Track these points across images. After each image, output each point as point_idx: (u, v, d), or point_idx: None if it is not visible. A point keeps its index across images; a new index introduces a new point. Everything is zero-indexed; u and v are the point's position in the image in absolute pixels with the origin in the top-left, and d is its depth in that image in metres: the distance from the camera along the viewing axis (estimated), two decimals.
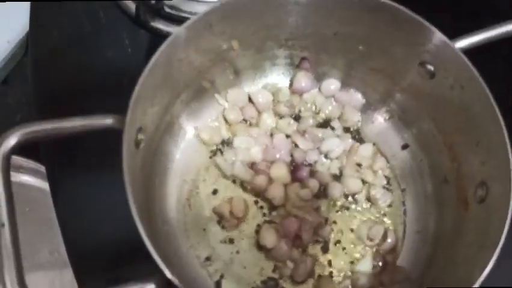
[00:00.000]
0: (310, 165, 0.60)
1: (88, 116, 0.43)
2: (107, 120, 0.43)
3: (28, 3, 0.79)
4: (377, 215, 0.58)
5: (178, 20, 0.73)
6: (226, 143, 0.61)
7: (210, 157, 0.60)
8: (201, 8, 0.73)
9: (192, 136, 0.61)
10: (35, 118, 0.67)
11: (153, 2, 0.71)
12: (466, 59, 0.47)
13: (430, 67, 0.52)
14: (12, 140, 0.40)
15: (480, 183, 0.48)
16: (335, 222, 0.58)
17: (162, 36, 0.73)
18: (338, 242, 0.57)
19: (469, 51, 0.49)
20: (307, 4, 0.51)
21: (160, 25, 0.73)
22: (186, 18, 0.71)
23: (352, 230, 0.58)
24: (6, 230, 0.38)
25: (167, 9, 0.73)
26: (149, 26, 0.72)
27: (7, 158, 0.40)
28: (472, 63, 0.47)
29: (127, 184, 0.40)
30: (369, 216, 0.58)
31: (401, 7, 0.49)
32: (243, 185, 0.59)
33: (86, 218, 0.59)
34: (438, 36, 0.49)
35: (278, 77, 0.64)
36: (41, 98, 0.69)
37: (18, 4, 0.81)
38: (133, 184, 0.42)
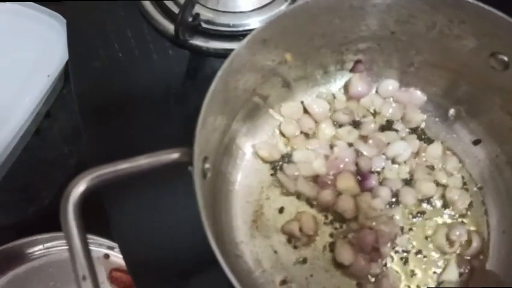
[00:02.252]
0: (378, 172, 0.57)
1: (154, 154, 0.41)
2: (174, 155, 0.41)
3: (64, 38, 0.79)
4: (456, 218, 0.55)
5: (215, 35, 0.72)
6: (286, 158, 0.58)
7: (271, 175, 0.58)
8: (235, 20, 0.72)
9: (251, 155, 0.58)
10: (85, 150, 0.69)
11: (190, 19, 0.70)
12: None
13: (503, 57, 0.48)
14: (81, 187, 0.38)
15: None
16: (411, 229, 0.55)
17: (201, 52, 0.72)
18: (419, 251, 0.54)
19: None
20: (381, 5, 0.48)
21: (199, 42, 0.72)
22: (223, 32, 0.72)
23: (431, 237, 0.54)
24: (88, 282, 0.36)
25: (203, 25, 0.71)
26: (188, 44, 0.71)
27: (78, 206, 0.38)
28: None
29: (204, 219, 0.39)
30: (447, 220, 0.55)
31: None
32: (308, 201, 0.56)
33: (143, 233, 0.58)
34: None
35: (331, 84, 0.61)
36: (89, 127, 0.68)
37: (56, 38, 0.81)
38: (208, 218, 0.40)
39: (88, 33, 0.75)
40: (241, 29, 0.72)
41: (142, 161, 0.41)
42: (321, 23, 0.50)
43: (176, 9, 0.73)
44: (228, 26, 0.73)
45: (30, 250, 0.74)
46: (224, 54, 0.71)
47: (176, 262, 0.56)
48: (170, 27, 0.73)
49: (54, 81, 0.81)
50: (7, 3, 0.81)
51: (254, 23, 0.73)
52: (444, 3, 0.46)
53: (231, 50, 0.70)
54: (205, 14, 0.72)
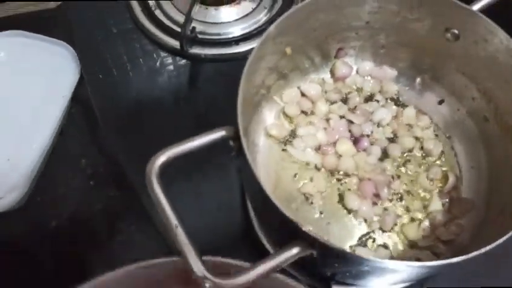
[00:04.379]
0: (368, 135, 0.71)
1: (206, 133, 0.53)
2: (221, 133, 0.53)
3: (74, 59, 0.89)
4: (434, 162, 0.69)
5: (209, 43, 0.84)
6: (292, 134, 0.71)
7: (283, 149, 0.70)
8: (223, 29, 0.85)
9: (263, 136, 0.71)
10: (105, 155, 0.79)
11: (189, 33, 0.82)
12: (484, 16, 0.59)
13: (455, 31, 0.63)
14: (161, 159, 0.50)
15: None
16: (400, 176, 0.68)
17: (200, 59, 0.84)
18: (408, 192, 0.67)
19: (485, 10, 0.60)
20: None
21: (197, 50, 0.84)
22: (215, 40, 0.84)
23: (416, 179, 0.68)
24: (179, 229, 0.48)
25: (199, 36, 0.83)
26: (189, 53, 0.83)
27: (159, 174, 0.50)
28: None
29: (258, 178, 0.50)
30: (427, 164, 0.69)
31: None
32: (316, 166, 0.69)
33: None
34: (459, 4, 0.60)
35: (319, 71, 0.75)
36: (112, 135, 0.79)
37: (65, 64, 0.91)
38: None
39: (97, 56, 0.86)
40: (230, 36, 0.85)
41: (199, 140, 0.52)
42: (314, 20, 0.64)
43: (171, 24, 0.86)
44: (218, 34, 0.85)
45: None
46: (218, 58, 0.84)
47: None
48: (170, 41, 0.85)
49: (68, 102, 0.90)
50: (19, 38, 0.90)
51: (237, 30, 0.86)
52: None
53: (223, 54, 0.84)
54: (198, 27, 0.84)
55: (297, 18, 0.61)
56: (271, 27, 0.57)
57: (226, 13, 0.87)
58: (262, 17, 0.87)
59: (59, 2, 1.01)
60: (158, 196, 0.49)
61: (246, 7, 0.88)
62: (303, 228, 0.48)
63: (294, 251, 0.49)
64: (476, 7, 0.60)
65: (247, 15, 0.88)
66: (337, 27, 0.67)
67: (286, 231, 0.51)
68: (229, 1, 0.88)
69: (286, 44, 0.64)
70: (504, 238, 0.47)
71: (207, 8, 0.87)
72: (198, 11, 0.86)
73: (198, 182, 0.71)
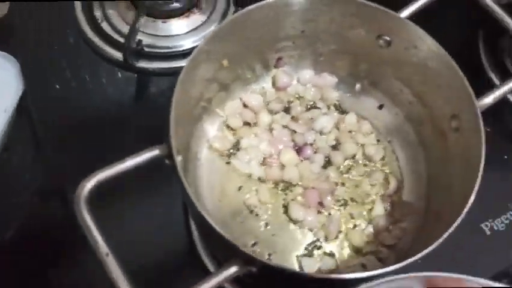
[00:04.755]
0: (311, 144, 0.70)
1: (138, 153, 0.52)
2: (154, 152, 0.52)
3: (18, 72, 0.86)
4: (376, 167, 0.70)
5: (157, 56, 0.83)
6: (236, 146, 0.71)
7: (227, 163, 0.70)
8: (173, 42, 0.83)
9: (206, 149, 0.70)
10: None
11: (134, 45, 0.80)
12: (412, 23, 0.60)
13: (386, 37, 0.64)
14: (89, 185, 0.49)
15: (452, 116, 0.60)
16: (344, 183, 0.69)
17: (148, 73, 0.82)
18: (352, 198, 0.68)
19: (414, 17, 0.62)
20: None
21: (144, 64, 0.82)
22: (164, 53, 0.83)
23: (359, 185, 0.69)
24: (110, 257, 0.47)
25: (146, 49, 0.82)
26: (135, 67, 0.81)
27: (89, 200, 0.49)
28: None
29: (193, 199, 0.50)
30: (369, 170, 0.70)
31: None
32: (260, 178, 0.69)
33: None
34: (387, 12, 0.61)
35: (260, 81, 0.74)
36: (54, 152, 0.78)
37: (8, 76, 0.87)
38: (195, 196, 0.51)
39: (41, 68, 0.83)
40: (180, 49, 0.83)
41: (132, 161, 0.51)
42: (248, 31, 0.63)
43: (119, 38, 0.84)
44: (167, 48, 0.83)
45: None
46: (168, 72, 0.83)
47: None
48: (116, 54, 0.83)
49: (11, 116, 0.87)
50: None
51: (189, 43, 0.84)
52: (335, 2, 0.61)
53: (173, 68, 0.83)
54: (146, 40, 0.82)
55: (229, 31, 0.61)
56: (202, 43, 0.57)
57: (176, 26, 0.85)
58: (212, 29, 0.86)
59: (6, 12, 0.97)
60: (88, 224, 0.48)
61: (196, 20, 0.86)
62: (239, 247, 0.48)
63: (233, 269, 0.49)
64: (404, 14, 0.61)
65: (197, 28, 0.86)
66: (272, 37, 0.67)
67: (226, 249, 0.51)
68: (178, 14, 0.86)
69: (223, 55, 0.64)
70: (435, 245, 0.48)
71: (154, 21, 0.85)
72: (146, 24, 0.83)
73: (137, 201, 0.70)
